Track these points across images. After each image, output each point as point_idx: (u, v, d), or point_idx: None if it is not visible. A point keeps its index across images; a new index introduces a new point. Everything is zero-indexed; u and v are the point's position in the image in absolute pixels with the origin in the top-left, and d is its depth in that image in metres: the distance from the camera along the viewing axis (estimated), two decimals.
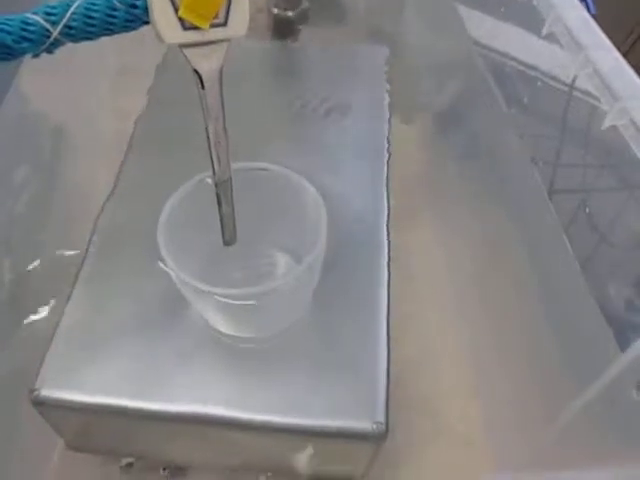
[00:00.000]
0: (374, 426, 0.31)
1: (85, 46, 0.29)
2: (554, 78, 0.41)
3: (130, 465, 0.38)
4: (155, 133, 0.44)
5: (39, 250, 0.46)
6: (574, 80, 0.36)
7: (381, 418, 0.31)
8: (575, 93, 0.37)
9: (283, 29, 0.54)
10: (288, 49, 0.54)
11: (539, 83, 0.43)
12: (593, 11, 0.48)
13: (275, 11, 0.53)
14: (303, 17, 0.55)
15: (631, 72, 0.30)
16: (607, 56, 0.31)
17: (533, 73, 0.44)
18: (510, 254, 0.45)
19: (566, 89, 0.38)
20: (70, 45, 0.28)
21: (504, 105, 0.47)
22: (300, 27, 0.55)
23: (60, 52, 0.28)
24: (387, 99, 0.49)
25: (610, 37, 0.38)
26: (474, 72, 0.50)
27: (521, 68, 0.46)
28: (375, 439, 0.31)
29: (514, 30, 0.47)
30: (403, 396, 0.41)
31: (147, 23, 0.29)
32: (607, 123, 0.29)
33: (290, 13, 0.53)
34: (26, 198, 0.49)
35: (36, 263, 0.45)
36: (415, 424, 0.42)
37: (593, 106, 0.33)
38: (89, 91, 0.58)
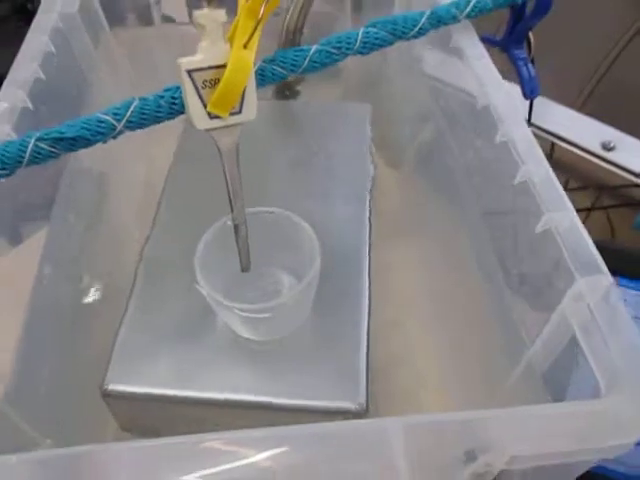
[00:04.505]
0: (356, 406, 0.37)
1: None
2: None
3: None
4: (183, 185, 0.52)
5: (93, 280, 0.55)
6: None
7: (362, 400, 0.38)
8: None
9: (283, 90, 0.63)
10: (284, 106, 0.61)
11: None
12: (537, 92, 0.52)
13: None
14: (300, 78, 0.62)
15: (558, 185, 0.36)
16: (539, 170, 0.38)
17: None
18: (484, 272, 0.53)
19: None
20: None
21: (459, 156, 0.55)
22: (298, 88, 0.65)
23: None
24: (371, 147, 0.57)
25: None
26: (439, 123, 0.59)
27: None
28: (357, 417, 0.37)
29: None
30: (386, 389, 0.50)
31: (183, 113, 0.37)
32: (539, 229, 0.36)
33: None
34: (76, 238, 0.57)
35: (92, 289, 0.54)
36: (398, 412, 0.48)
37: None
38: (126, 142, 0.67)
